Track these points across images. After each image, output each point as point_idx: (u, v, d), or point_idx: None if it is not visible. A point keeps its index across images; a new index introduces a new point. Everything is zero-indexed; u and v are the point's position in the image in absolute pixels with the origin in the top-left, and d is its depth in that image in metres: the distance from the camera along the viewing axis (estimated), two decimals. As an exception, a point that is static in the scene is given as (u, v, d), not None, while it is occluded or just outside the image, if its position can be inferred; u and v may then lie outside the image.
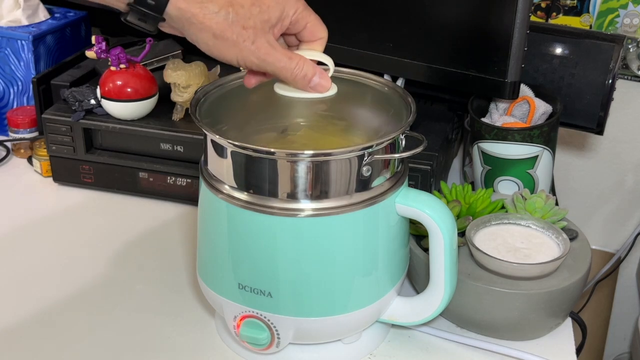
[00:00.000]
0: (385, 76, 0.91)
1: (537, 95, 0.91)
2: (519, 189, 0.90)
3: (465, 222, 0.78)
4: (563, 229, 0.79)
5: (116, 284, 0.84)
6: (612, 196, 1.25)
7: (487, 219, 0.79)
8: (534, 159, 0.88)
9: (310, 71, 0.66)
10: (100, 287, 0.84)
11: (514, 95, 0.85)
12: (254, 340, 0.68)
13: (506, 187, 0.90)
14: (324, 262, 0.65)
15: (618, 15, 1.12)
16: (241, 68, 0.66)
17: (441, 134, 0.95)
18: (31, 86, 1.08)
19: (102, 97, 0.96)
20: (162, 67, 1.00)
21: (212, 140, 0.65)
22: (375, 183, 0.65)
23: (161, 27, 0.63)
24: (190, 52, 1.12)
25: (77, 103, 0.97)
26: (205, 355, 0.74)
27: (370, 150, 0.63)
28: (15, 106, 1.13)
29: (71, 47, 1.16)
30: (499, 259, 0.73)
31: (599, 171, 1.24)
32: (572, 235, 0.80)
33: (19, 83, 1.11)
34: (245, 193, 0.64)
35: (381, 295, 0.69)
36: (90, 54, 0.99)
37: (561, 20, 1.15)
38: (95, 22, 1.23)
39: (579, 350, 0.79)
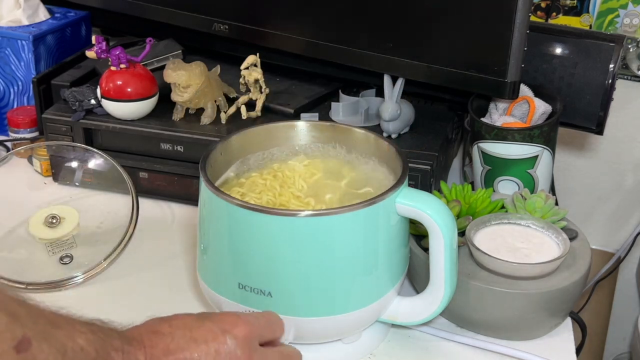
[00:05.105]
0: (385, 76, 0.91)
1: (537, 95, 0.91)
2: (519, 189, 0.89)
3: (465, 222, 0.78)
4: (563, 229, 0.79)
5: (116, 284, 0.84)
6: (612, 196, 1.25)
7: (487, 219, 0.79)
8: (534, 159, 0.88)
9: None
10: (99, 287, 0.84)
11: (514, 95, 0.85)
12: (254, 340, 0.68)
13: (506, 187, 0.90)
14: (324, 262, 0.65)
15: (618, 15, 1.12)
16: None
17: (441, 134, 0.95)
18: (31, 86, 1.08)
19: (102, 97, 0.96)
20: (162, 67, 1.00)
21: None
22: (375, 183, 0.65)
23: None
24: (190, 52, 1.12)
25: (77, 103, 0.97)
26: (205, 355, 0.73)
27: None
28: (15, 106, 1.13)
29: (71, 47, 1.16)
30: (499, 259, 0.73)
31: (599, 171, 1.24)
32: (572, 235, 0.80)
33: (19, 83, 1.11)
34: (246, 193, 0.64)
35: (381, 295, 0.69)
36: (90, 54, 0.99)
37: (561, 20, 1.15)
38: (95, 22, 1.23)
39: (579, 350, 0.79)
